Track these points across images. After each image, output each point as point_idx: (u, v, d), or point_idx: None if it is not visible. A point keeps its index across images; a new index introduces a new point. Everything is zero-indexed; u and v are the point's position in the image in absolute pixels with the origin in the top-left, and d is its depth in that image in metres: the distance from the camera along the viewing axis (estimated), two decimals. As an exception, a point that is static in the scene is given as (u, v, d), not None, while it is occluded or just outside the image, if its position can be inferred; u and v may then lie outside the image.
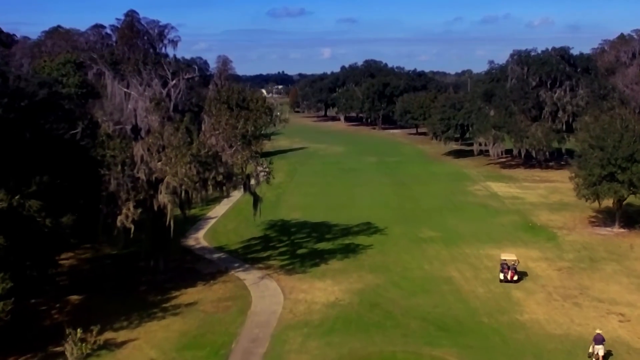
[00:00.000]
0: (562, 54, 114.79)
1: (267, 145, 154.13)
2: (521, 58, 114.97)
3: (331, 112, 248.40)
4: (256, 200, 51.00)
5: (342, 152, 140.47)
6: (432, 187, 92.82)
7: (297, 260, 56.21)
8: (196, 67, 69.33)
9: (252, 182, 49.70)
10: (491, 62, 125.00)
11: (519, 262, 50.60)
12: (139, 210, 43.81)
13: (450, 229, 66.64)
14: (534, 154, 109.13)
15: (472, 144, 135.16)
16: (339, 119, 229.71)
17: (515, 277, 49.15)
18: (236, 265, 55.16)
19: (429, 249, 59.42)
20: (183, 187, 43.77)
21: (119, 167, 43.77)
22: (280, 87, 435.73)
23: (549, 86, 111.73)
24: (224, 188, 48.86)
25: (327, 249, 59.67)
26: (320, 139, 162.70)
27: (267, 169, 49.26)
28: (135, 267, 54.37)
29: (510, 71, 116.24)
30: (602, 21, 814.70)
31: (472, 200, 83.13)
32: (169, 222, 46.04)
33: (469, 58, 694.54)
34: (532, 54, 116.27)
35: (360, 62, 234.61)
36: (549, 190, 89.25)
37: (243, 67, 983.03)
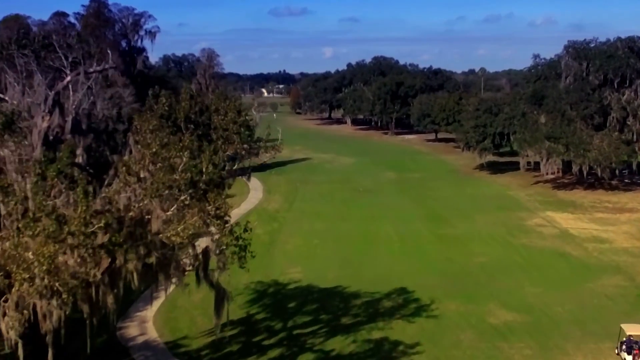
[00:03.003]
0: (631, 45, 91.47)
1: (264, 156, 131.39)
2: (579, 51, 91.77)
3: (336, 114, 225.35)
4: (221, 297, 27.94)
5: (353, 164, 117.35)
6: (478, 221, 69.55)
7: (298, 383, 33.21)
8: (110, 53, 45.86)
9: (215, 265, 26.73)
10: (536, 56, 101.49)
11: None
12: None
13: (533, 306, 43.44)
14: (599, 172, 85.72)
15: (504, 155, 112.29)
16: (345, 122, 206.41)
17: None
18: (192, 397, 32.15)
19: (514, 355, 36.19)
20: (53, 301, 20.70)
21: None
22: (281, 86, 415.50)
23: (615, 86, 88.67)
24: (159, 280, 25.88)
25: (347, 354, 36.59)
26: (326, 147, 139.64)
27: (240, 242, 26.19)
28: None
29: (564, 67, 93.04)
30: (606, 20, 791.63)
31: (539, 244, 59.91)
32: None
33: (471, 57, 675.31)
34: (591, 45, 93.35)
35: (367, 60, 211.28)
36: (638, 226, 66.14)
37: (244, 67, 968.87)
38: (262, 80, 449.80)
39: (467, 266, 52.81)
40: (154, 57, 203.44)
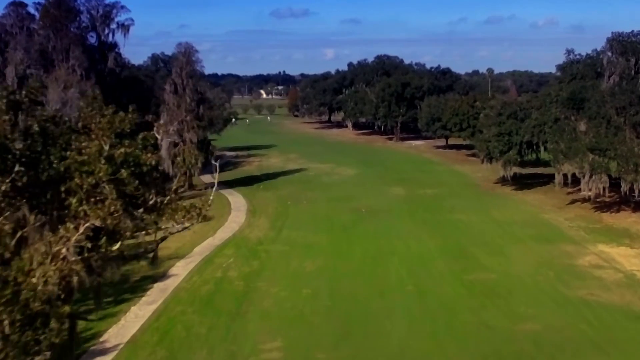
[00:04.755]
0: (687, 38, 76.46)
1: (253, 166, 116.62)
2: (625, 45, 76.54)
3: (336, 117, 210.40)
4: None
5: (355, 176, 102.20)
6: (514, 259, 54.30)
7: None
8: None
9: None
10: (570, 51, 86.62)
11: None
12: None
13: None
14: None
15: (526, 165, 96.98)
16: (346, 126, 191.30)
17: None
18: None
19: None
20: None
21: None
22: (280, 87, 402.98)
23: (672, 86, 73.58)
24: None
25: None
26: (324, 155, 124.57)
27: None
28: None
29: (607, 64, 77.92)
30: (606, 22, 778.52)
31: (605, 299, 44.50)
32: None
33: (473, 58, 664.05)
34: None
35: (370, 59, 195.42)
36: None
37: (245, 68, 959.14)
38: (261, 81, 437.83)
39: (513, 339, 37.45)
40: (143, 57, 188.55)
